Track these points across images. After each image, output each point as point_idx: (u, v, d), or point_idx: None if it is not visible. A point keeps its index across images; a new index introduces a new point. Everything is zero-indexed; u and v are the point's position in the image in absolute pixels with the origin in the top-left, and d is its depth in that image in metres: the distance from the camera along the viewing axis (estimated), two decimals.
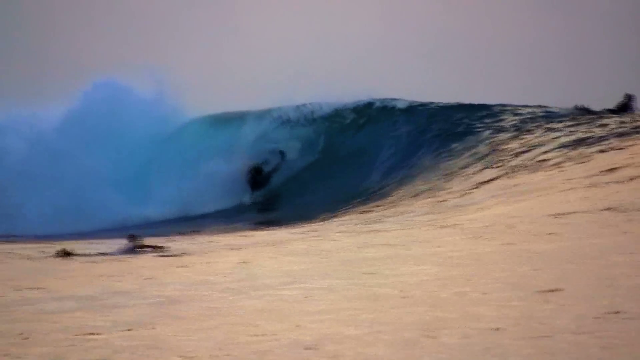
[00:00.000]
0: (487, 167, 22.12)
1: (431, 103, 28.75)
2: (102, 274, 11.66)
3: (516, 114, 26.00)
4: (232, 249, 15.19)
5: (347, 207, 22.83)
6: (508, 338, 6.03)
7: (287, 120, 29.62)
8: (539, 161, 20.83)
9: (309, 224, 20.86)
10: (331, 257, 12.24)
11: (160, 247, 14.38)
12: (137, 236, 14.67)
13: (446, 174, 22.71)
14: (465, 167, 22.92)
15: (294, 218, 22.46)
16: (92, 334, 7.07)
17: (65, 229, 23.90)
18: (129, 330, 7.15)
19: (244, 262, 12.18)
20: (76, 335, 7.03)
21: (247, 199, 27.04)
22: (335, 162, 27.75)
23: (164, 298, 9.03)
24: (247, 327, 7.05)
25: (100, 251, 14.87)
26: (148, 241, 14.90)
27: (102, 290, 9.83)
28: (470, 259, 10.39)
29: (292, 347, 6.21)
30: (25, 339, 7.01)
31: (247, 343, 6.40)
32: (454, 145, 25.16)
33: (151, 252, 14.25)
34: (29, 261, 13.93)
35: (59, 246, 14.96)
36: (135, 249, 14.11)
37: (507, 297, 7.57)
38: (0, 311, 8.54)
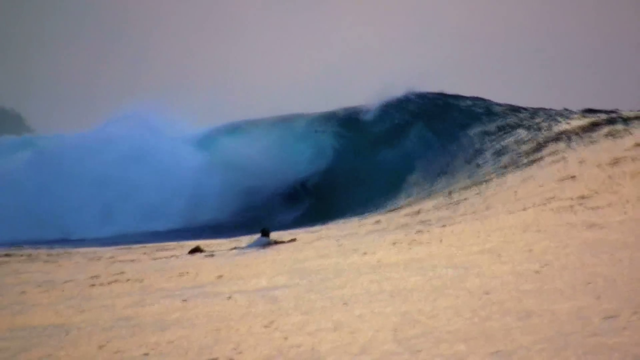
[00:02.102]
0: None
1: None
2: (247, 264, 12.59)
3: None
4: (343, 237, 16.06)
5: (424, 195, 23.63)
6: None
7: (315, 126, 30.87)
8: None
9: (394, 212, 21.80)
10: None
11: (294, 239, 15.43)
12: (269, 230, 15.70)
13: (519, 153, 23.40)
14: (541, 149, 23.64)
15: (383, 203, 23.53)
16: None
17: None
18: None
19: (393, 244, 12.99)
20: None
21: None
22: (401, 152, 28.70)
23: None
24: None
25: (231, 247, 15.92)
26: (277, 235, 15.95)
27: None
28: None
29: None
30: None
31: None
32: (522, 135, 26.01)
33: (283, 243, 15.29)
34: (174, 259, 14.94)
35: (193, 244, 16.04)
36: (272, 242, 15.14)
37: None
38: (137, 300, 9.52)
